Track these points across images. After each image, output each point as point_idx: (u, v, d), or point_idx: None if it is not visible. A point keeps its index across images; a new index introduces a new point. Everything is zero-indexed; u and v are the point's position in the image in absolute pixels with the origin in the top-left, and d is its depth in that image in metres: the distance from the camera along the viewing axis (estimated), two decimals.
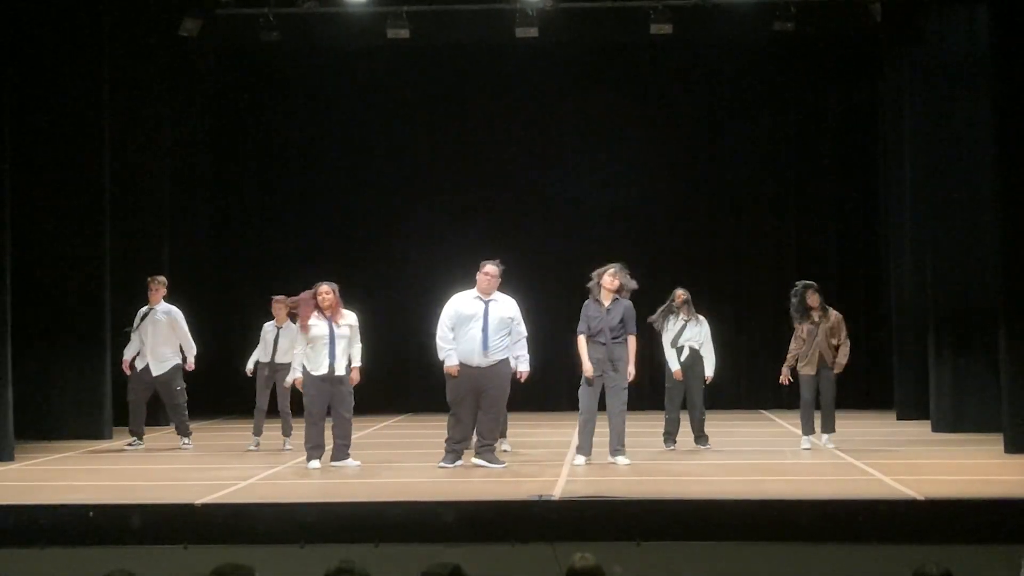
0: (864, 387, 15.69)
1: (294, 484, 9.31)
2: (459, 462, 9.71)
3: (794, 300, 11.03)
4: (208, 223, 16.67)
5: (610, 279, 9.84)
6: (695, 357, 11.14)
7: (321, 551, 7.25)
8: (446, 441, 9.83)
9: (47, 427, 12.54)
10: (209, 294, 16.02)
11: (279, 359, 11.42)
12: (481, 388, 9.64)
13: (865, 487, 8.71)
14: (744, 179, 16.77)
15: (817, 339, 10.86)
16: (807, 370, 10.92)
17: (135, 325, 11.81)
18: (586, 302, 10.01)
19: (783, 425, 13.84)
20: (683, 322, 11.16)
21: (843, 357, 10.95)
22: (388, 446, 12.28)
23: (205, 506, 8.02)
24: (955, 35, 12.92)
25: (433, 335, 9.94)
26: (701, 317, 11.30)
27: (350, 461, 9.92)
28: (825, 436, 11.09)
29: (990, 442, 11.10)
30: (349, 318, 9.95)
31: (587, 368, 9.81)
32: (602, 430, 9.96)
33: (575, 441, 10.23)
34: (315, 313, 9.86)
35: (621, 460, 9.78)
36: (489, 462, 9.63)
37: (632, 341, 9.87)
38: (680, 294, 11.27)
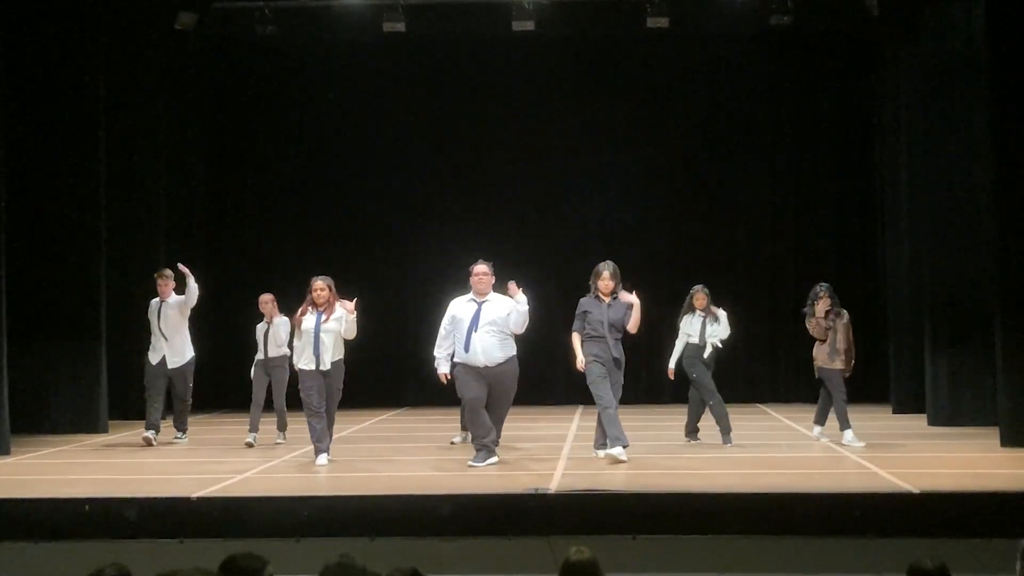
0: (860, 381, 15.67)
1: (290, 478, 9.31)
2: (492, 459, 9.40)
3: (809, 304, 11.05)
4: (204, 217, 16.63)
5: (604, 285, 9.80)
6: (716, 352, 11.04)
7: (317, 545, 7.26)
8: (472, 440, 9.81)
9: (43, 421, 12.53)
10: (206, 289, 16.00)
11: (272, 354, 11.47)
12: (491, 386, 9.57)
13: (861, 480, 8.71)
14: (740, 173, 16.75)
15: (837, 336, 10.81)
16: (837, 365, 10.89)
17: (152, 322, 11.77)
18: (582, 299, 9.92)
19: (779, 419, 13.86)
20: (702, 318, 11.04)
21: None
22: (384, 440, 12.27)
23: (201, 500, 8.02)
24: (952, 30, 12.91)
25: (429, 329, 9.94)
26: (721, 313, 11.15)
27: (322, 458, 9.69)
28: (818, 429, 11.16)
29: (986, 436, 11.12)
30: (339, 311, 9.78)
31: (580, 361, 9.77)
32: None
33: (598, 436, 9.98)
34: (309, 308, 9.79)
35: (600, 453, 9.74)
36: (474, 461, 9.41)
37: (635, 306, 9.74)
38: (701, 296, 11.12)
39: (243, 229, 16.94)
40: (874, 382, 15.34)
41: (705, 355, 11.00)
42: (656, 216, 16.68)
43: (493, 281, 9.75)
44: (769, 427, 12.95)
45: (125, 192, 14.07)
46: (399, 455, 10.63)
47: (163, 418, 12.02)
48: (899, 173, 14.26)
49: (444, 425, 12.65)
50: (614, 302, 9.79)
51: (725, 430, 10.92)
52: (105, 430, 12.77)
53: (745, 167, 16.75)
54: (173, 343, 11.72)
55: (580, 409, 14.51)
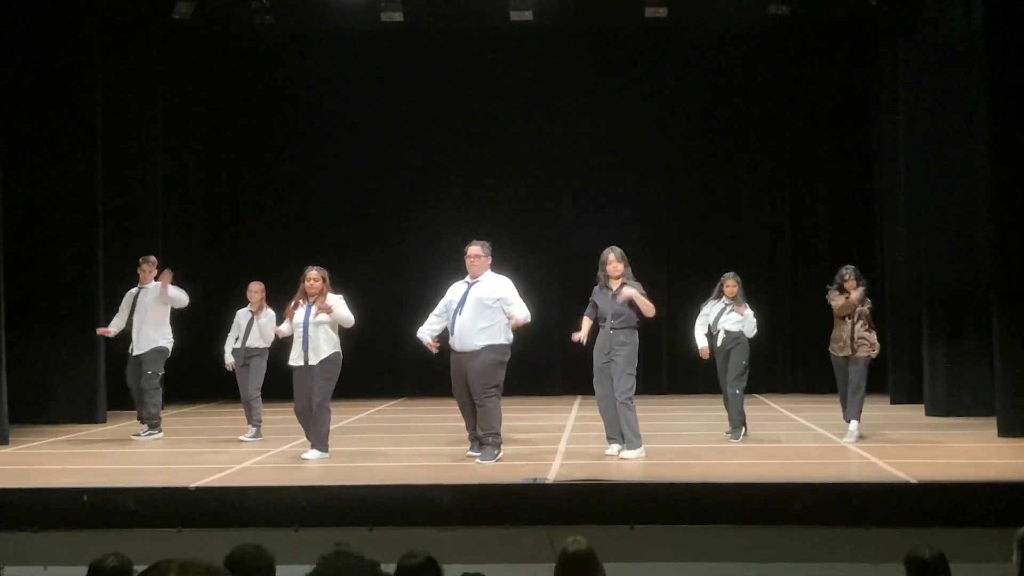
0: None
1: (288, 468, 9.31)
2: (490, 459, 9.15)
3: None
4: (202, 207, 16.63)
5: (613, 268, 9.71)
6: (732, 338, 10.64)
7: (315, 535, 7.26)
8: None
9: (41, 411, 12.54)
10: (202, 278, 16.01)
11: (251, 343, 11.19)
12: (465, 374, 9.27)
13: (859, 470, 8.73)
14: (738, 163, 16.74)
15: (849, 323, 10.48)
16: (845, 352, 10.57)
17: (126, 305, 11.58)
18: (595, 288, 9.82)
19: (777, 409, 13.87)
20: (723, 307, 10.75)
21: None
22: (382, 430, 12.28)
23: (199, 490, 8.03)
24: (951, 20, 12.90)
25: (427, 320, 9.88)
26: (748, 312, 10.72)
27: (311, 453, 9.55)
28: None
29: (983, 426, 11.14)
30: (331, 299, 9.57)
31: (576, 335, 9.71)
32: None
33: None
34: (301, 300, 9.60)
35: (630, 454, 9.36)
36: (482, 458, 9.22)
37: (638, 295, 9.53)
38: (731, 284, 10.80)
39: (240, 219, 16.93)
40: (872, 373, 15.32)
41: (719, 343, 10.71)
42: (654, 206, 16.66)
43: (488, 262, 9.49)
44: (767, 417, 12.95)
45: (122, 183, 14.06)
46: (397, 445, 10.63)
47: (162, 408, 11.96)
48: (897, 164, 14.26)
49: (442, 416, 12.67)
50: (622, 288, 9.55)
51: (735, 424, 10.68)
52: (104, 420, 12.78)
53: (742, 158, 16.74)
54: (143, 331, 11.38)
55: (578, 400, 14.53)
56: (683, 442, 10.70)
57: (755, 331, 10.81)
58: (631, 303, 9.50)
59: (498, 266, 9.78)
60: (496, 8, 14.85)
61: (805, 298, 15.40)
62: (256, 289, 11.38)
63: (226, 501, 7.92)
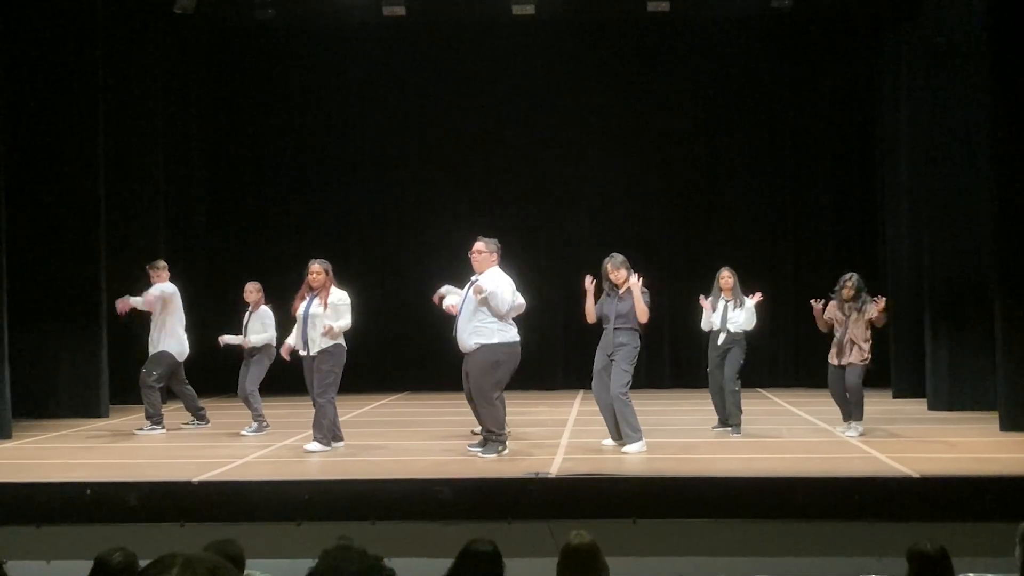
0: None
1: (291, 462, 9.32)
2: (491, 454, 9.18)
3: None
4: (203, 201, 16.63)
5: (613, 275, 9.77)
6: (733, 339, 10.63)
7: (318, 529, 7.28)
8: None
9: (44, 406, 12.55)
10: (204, 274, 16.03)
11: (253, 342, 11.24)
12: (467, 373, 9.34)
13: (861, 465, 8.72)
14: (740, 157, 16.73)
15: (848, 329, 10.45)
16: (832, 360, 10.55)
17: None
18: (603, 296, 9.85)
19: (779, 403, 13.88)
20: (725, 303, 10.72)
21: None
22: (385, 424, 12.28)
23: (202, 484, 8.03)
24: (953, 13, 12.88)
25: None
26: (747, 302, 10.72)
27: (312, 445, 9.62)
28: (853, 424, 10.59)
29: (986, 420, 11.14)
30: (334, 296, 9.69)
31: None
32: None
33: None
34: (306, 292, 9.74)
35: (631, 448, 9.37)
36: (484, 452, 9.22)
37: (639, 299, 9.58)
38: (726, 275, 10.80)
39: (242, 214, 16.92)
40: (874, 367, 15.34)
41: (719, 341, 10.67)
42: (655, 200, 16.65)
43: (493, 259, 9.44)
44: (769, 412, 12.96)
45: (124, 176, 14.06)
46: (400, 439, 10.63)
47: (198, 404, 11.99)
48: (900, 157, 14.24)
49: (445, 410, 12.68)
50: (627, 293, 9.66)
51: (735, 422, 10.62)
52: (106, 415, 12.79)
53: (744, 152, 16.72)
54: (152, 335, 11.46)
55: (580, 394, 14.53)
56: (685, 436, 10.71)
57: (755, 322, 10.76)
58: (631, 306, 9.58)
59: (502, 262, 9.76)
60: (498, 2, 14.83)
61: (807, 293, 15.28)
62: (251, 289, 11.39)
63: (229, 495, 7.93)
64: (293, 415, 11.98)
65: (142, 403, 11.50)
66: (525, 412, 12.46)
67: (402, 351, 16.22)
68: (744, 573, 7.14)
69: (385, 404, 14.67)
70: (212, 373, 14.61)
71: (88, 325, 12.77)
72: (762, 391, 15.35)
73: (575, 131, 16.62)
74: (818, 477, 8.11)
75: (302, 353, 9.73)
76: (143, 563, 2.29)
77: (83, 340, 12.79)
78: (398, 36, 16.23)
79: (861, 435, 10.24)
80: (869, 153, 16.07)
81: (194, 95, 16.26)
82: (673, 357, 16.17)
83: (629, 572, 6.71)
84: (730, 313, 10.68)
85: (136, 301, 11.40)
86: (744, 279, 11.03)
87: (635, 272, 9.81)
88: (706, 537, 7.48)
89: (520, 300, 9.57)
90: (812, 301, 10.79)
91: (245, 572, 4.78)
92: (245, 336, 11.29)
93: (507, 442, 9.38)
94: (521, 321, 9.73)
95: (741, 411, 10.65)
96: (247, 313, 11.38)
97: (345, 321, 9.70)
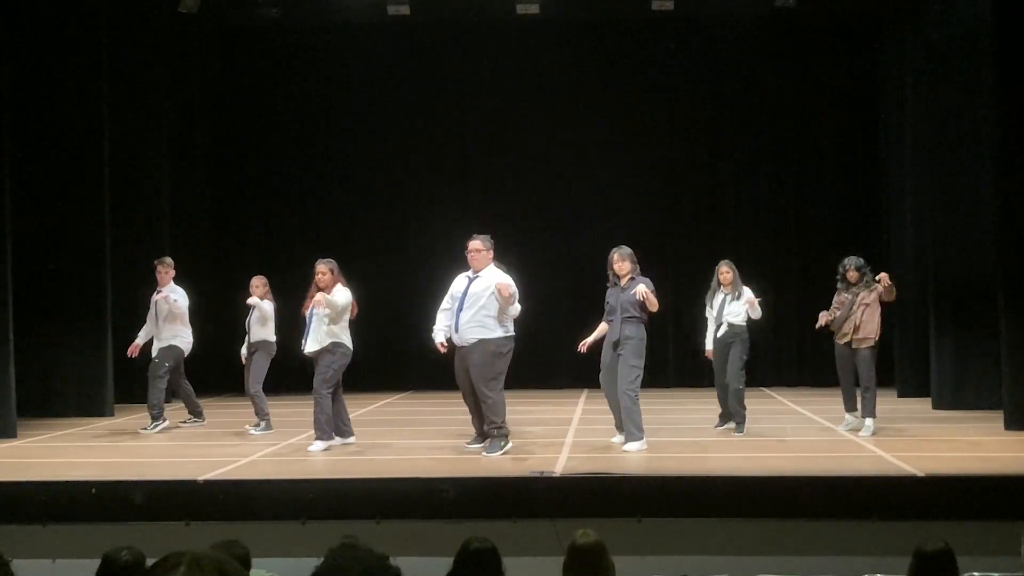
0: None
1: (296, 461, 9.33)
2: (495, 451, 9.22)
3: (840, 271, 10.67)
4: (208, 201, 16.65)
5: (618, 265, 9.80)
6: (734, 332, 10.52)
7: (323, 528, 7.29)
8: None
9: (49, 405, 12.57)
10: (208, 273, 16.04)
11: (253, 337, 11.27)
12: (467, 367, 9.34)
13: (865, 464, 8.72)
14: (744, 155, 16.73)
15: (853, 310, 10.40)
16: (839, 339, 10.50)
17: (151, 310, 11.61)
18: (608, 288, 9.89)
19: (783, 402, 13.87)
20: (723, 296, 10.66)
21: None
22: (389, 423, 12.29)
23: (207, 483, 8.04)
24: (957, 11, 12.87)
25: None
26: (745, 289, 10.60)
27: (315, 445, 9.65)
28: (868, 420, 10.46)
29: (990, 419, 11.12)
30: (337, 295, 9.72)
31: (582, 344, 9.94)
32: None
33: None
34: (315, 292, 9.80)
35: (631, 446, 9.38)
36: (488, 451, 9.21)
37: (646, 292, 9.53)
38: (725, 270, 10.71)
39: (247, 213, 16.95)
40: (878, 366, 15.33)
41: (719, 334, 10.59)
42: (659, 198, 16.65)
43: (490, 256, 9.50)
44: (773, 410, 12.96)
45: (130, 177, 14.07)
46: (404, 438, 10.64)
47: (199, 401, 12.02)
48: (903, 155, 14.24)
49: (449, 409, 12.68)
50: (631, 283, 9.68)
51: (738, 419, 10.58)
52: (111, 414, 12.81)
53: (748, 149, 16.72)
54: (160, 334, 11.48)
55: (584, 393, 14.53)
56: (690, 435, 10.71)
57: (759, 312, 10.61)
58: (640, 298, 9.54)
59: (503, 260, 9.81)
60: (502, 1, 14.84)
61: (811, 290, 15.37)
62: (257, 284, 11.40)
63: (234, 494, 7.93)
64: (298, 414, 11.99)
65: (146, 400, 11.52)
66: (529, 411, 12.47)
67: (406, 350, 16.23)
68: (749, 572, 7.14)
69: (390, 403, 14.68)
70: (213, 372, 14.62)
71: (93, 324, 12.78)
72: (766, 390, 15.35)
73: (579, 129, 16.63)
74: (822, 476, 8.11)
75: (305, 351, 9.81)
76: (149, 562, 2.30)
77: (88, 339, 12.81)
78: (402, 35, 16.25)
79: (874, 434, 10.22)
80: (873, 151, 16.06)
81: (199, 94, 16.27)
82: (676, 356, 16.17)
83: (635, 571, 6.71)
84: (728, 306, 10.59)
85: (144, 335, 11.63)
86: (747, 277, 11.00)
87: (645, 277, 9.81)
88: (711, 536, 7.48)
89: None
90: (821, 315, 10.64)
91: (250, 571, 4.79)
92: (248, 332, 11.28)
93: (509, 437, 9.39)
94: (524, 320, 9.78)
95: (744, 408, 10.60)
96: (251, 309, 11.37)
97: (340, 298, 9.66)
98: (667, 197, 16.68)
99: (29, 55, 12.51)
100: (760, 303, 10.64)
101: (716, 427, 10.86)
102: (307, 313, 9.80)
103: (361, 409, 13.34)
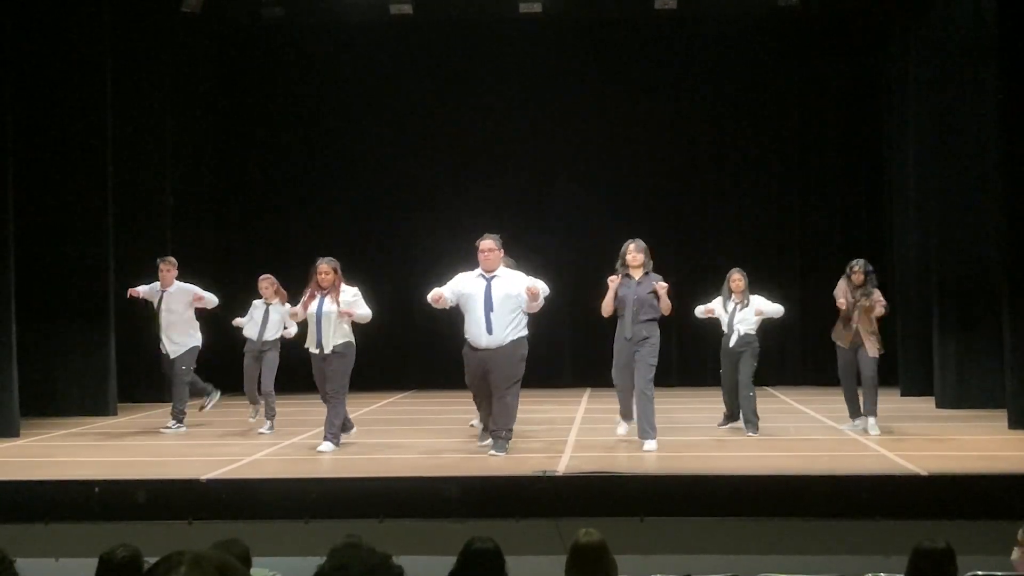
0: None
1: (299, 460, 9.33)
2: (482, 441, 9.36)
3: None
4: (212, 200, 16.64)
5: (631, 256, 9.74)
6: (745, 342, 10.52)
7: (326, 527, 7.29)
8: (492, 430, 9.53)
9: (52, 404, 12.57)
10: (211, 272, 16.03)
11: (267, 336, 11.26)
12: (488, 370, 9.20)
13: (868, 463, 8.71)
14: (747, 155, 16.72)
15: (855, 316, 10.38)
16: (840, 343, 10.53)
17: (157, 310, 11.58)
18: (619, 279, 9.77)
19: (787, 401, 13.86)
20: (734, 305, 10.60)
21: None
22: (392, 423, 12.30)
23: (210, 482, 8.05)
24: (961, 11, 12.85)
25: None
26: (753, 299, 10.63)
27: (325, 445, 9.57)
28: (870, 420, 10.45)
29: (994, 418, 11.11)
30: (346, 294, 9.70)
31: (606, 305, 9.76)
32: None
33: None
34: (317, 292, 9.72)
35: (650, 444, 9.33)
36: (496, 450, 9.14)
37: (667, 290, 9.56)
38: (737, 278, 10.67)
39: (250, 213, 16.94)
40: (882, 364, 15.31)
41: (731, 344, 10.56)
42: (662, 198, 16.64)
43: (502, 255, 9.43)
44: (777, 410, 12.95)
45: (132, 174, 14.08)
46: (407, 438, 10.64)
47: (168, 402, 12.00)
48: (907, 155, 14.23)
49: (452, 408, 12.68)
50: (644, 278, 9.65)
51: (752, 427, 10.47)
52: (114, 413, 12.81)
53: (752, 149, 16.71)
54: (171, 333, 11.43)
55: (588, 392, 14.53)
56: (693, 434, 10.70)
57: (776, 308, 10.69)
58: (650, 294, 9.56)
59: (506, 258, 9.76)
60: (505, 0, 14.83)
61: (814, 290, 15.35)
62: (266, 284, 11.39)
63: (237, 493, 7.94)
64: (301, 413, 12.00)
65: (150, 401, 11.57)
66: (533, 410, 12.45)
67: (409, 349, 16.23)
68: (752, 570, 7.13)
69: (393, 402, 14.68)
70: (215, 371, 14.60)
71: (96, 323, 12.78)
72: (770, 389, 15.33)
73: (582, 129, 16.62)
74: (826, 475, 8.11)
75: (314, 352, 9.71)
76: (150, 560, 2.30)
77: (91, 338, 12.81)
78: (406, 34, 16.24)
79: (877, 433, 10.20)
80: (877, 151, 16.04)
81: (202, 93, 16.27)
82: (680, 356, 16.15)
83: (637, 570, 6.71)
84: (738, 314, 10.58)
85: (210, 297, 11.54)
86: (751, 278, 10.99)
87: (656, 274, 9.79)
88: (714, 535, 7.48)
89: None
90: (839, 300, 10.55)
91: (252, 570, 4.79)
92: (263, 330, 11.26)
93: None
94: (528, 319, 9.71)
95: (758, 417, 10.55)
96: (265, 308, 11.31)
97: (365, 310, 9.72)
98: (669, 197, 16.67)
99: (32, 55, 12.51)
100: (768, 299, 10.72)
101: (719, 425, 10.86)
102: (312, 313, 9.71)
103: (364, 408, 13.33)
